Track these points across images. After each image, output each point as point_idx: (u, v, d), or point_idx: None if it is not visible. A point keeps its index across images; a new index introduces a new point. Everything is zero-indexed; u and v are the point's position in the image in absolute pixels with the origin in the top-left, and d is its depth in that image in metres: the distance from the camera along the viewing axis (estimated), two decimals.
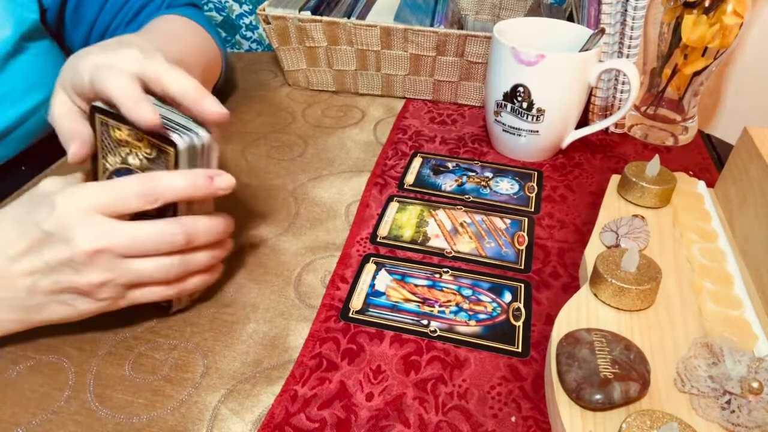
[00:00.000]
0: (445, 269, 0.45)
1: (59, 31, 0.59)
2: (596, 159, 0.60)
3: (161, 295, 0.37)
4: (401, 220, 0.50)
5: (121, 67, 0.35)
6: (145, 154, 0.36)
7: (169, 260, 0.35)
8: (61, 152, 0.57)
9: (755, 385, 0.31)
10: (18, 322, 0.36)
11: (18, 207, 0.36)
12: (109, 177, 0.38)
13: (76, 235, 0.32)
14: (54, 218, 0.33)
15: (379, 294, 0.43)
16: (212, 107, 0.36)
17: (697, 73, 0.59)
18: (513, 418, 0.35)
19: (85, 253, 0.33)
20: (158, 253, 0.35)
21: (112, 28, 0.59)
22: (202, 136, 0.36)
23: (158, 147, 0.35)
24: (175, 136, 0.34)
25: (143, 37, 0.48)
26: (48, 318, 0.36)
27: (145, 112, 0.33)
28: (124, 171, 0.37)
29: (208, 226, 0.37)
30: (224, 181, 0.36)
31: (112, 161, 0.38)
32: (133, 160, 0.37)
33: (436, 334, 0.40)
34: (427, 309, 0.42)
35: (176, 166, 0.35)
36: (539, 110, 0.54)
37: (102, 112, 0.36)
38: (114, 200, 0.33)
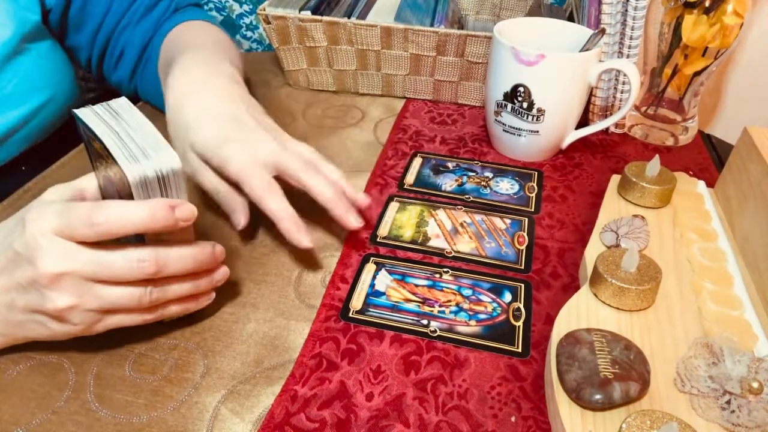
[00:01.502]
0: (445, 269, 0.45)
1: (62, 32, 0.59)
2: (596, 159, 0.60)
3: (139, 320, 0.36)
4: (401, 220, 0.50)
5: (259, 160, 0.42)
6: (114, 171, 0.34)
7: (141, 290, 0.34)
8: (61, 153, 0.58)
9: (755, 385, 0.31)
10: (2, 336, 0.35)
11: (10, 220, 0.35)
12: (102, 183, 0.37)
13: (39, 257, 0.31)
14: (23, 239, 0.32)
15: (379, 294, 0.43)
16: (353, 223, 0.44)
17: (697, 73, 0.59)
18: (513, 418, 0.35)
19: (47, 276, 0.31)
20: (128, 280, 0.33)
21: (120, 27, 0.58)
22: (164, 165, 0.33)
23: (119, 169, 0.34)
24: (126, 166, 0.32)
25: (237, 87, 0.49)
26: (28, 335, 0.35)
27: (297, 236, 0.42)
28: (108, 181, 0.36)
29: (180, 255, 0.35)
30: (185, 212, 0.34)
31: (100, 168, 0.37)
32: (110, 172, 0.35)
33: (436, 334, 0.40)
34: (427, 309, 0.42)
35: (130, 194, 0.33)
36: (539, 110, 0.54)
37: (81, 122, 0.35)
38: (65, 226, 0.32)
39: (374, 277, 0.44)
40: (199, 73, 0.47)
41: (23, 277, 0.32)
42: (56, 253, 0.31)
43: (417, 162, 0.58)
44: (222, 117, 0.44)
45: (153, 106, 0.64)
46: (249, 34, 0.96)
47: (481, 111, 0.69)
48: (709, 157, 0.60)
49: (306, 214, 0.51)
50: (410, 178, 0.56)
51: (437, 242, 0.48)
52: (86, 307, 0.33)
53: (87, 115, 0.35)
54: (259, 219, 0.51)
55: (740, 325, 0.37)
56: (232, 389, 0.36)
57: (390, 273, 0.45)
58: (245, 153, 0.42)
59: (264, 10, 0.67)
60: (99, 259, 0.32)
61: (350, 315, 0.41)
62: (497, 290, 0.43)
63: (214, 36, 0.57)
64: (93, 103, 0.37)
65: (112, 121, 0.35)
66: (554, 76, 0.52)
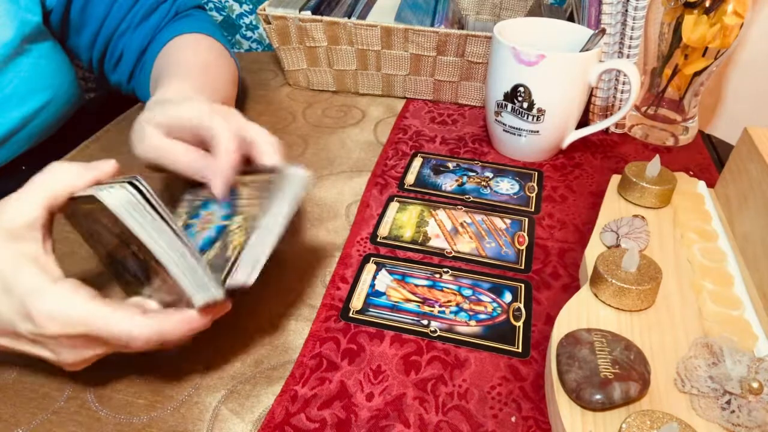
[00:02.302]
0: (445, 269, 0.45)
1: (63, 34, 0.59)
2: (596, 159, 0.60)
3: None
4: (401, 220, 0.50)
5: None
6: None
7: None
8: (61, 153, 0.58)
9: (755, 385, 0.31)
10: None
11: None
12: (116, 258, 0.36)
13: (60, 354, 0.32)
14: (35, 331, 0.31)
15: (380, 294, 0.43)
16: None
17: (697, 74, 0.59)
18: (513, 418, 0.35)
19: (66, 364, 0.33)
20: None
21: (120, 30, 0.58)
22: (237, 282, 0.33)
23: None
24: (194, 294, 0.32)
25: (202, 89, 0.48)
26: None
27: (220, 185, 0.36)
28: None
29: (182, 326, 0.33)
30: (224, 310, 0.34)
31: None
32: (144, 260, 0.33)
33: (436, 334, 0.40)
34: (427, 309, 0.42)
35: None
36: (540, 110, 0.54)
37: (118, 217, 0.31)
38: (114, 340, 0.31)
39: (374, 277, 0.44)
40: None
41: (29, 345, 0.32)
42: (75, 354, 0.32)
43: (417, 162, 0.58)
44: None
45: None
46: (249, 34, 0.96)
47: (481, 111, 0.69)
48: (709, 157, 0.60)
49: (307, 216, 0.52)
50: (410, 178, 0.56)
51: (437, 242, 0.48)
52: (96, 355, 0.33)
53: (130, 217, 0.30)
54: None
55: (740, 325, 0.37)
56: (232, 389, 0.36)
57: (390, 273, 0.45)
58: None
59: (264, 10, 0.67)
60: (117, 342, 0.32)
61: (350, 315, 0.41)
62: (497, 290, 0.43)
63: (206, 56, 0.57)
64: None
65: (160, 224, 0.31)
66: (554, 76, 0.52)
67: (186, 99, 0.42)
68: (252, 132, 0.38)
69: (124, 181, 0.31)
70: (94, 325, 0.30)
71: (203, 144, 0.38)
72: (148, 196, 0.31)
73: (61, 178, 0.33)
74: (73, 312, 0.30)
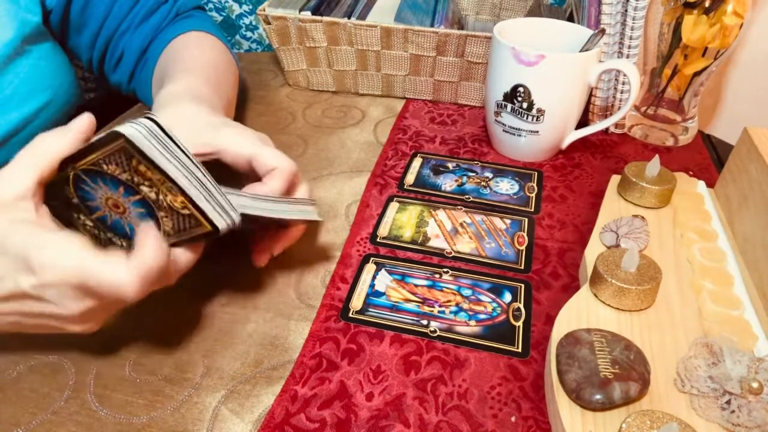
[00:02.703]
0: (445, 269, 0.45)
1: (63, 34, 0.59)
2: (596, 159, 0.60)
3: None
4: (401, 220, 0.50)
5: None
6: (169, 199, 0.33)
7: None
8: None
9: (755, 385, 0.31)
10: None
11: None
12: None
13: (66, 307, 0.31)
14: (36, 283, 0.30)
15: (379, 294, 0.43)
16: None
17: (697, 74, 0.59)
18: (513, 418, 0.35)
19: (75, 319, 0.32)
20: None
21: (120, 30, 0.59)
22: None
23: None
24: (216, 218, 0.33)
25: (213, 96, 0.48)
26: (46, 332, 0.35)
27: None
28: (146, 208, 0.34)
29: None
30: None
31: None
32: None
33: (436, 334, 0.40)
34: (427, 309, 0.42)
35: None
36: (539, 110, 0.54)
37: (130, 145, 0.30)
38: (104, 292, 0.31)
39: (374, 277, 0.44)
40: (181, 110, 0.45)
41: (32, 303, 0.32)
42: (82, 305, 0.31)
43: (417, 162, 0.58)
44: None
45: (150, 107, 0.64)
46: (249, 34, 0.96)
47: (481, 111, 0.69)
48: (709, 157, 0.60)
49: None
50: (410, 178, 0.56)
51: (437, 242, 0.48)
52: (102, 309, 0.33)
53: (149, 145, 0.30)
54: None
55: (740, 325, 0.37)
56: (232, 389, 0.36)
57: (390, 273, 0.45)
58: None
59: (264, 10, 0.67)
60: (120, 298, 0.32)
61: (350, 315, 0.41)
62: (497, 290, 0.43)
63: (209, 55, 0.57)
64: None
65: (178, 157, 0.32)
66: (554, 76, 0.52)
67: (221, 120, 0.43)
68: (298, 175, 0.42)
69: (135, 120, 0.31)
70: (85, 275, 0.30)
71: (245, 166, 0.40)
72: (165, 128, 0.31)
73: (47, 145, 0.33)
74: (66, 261, 0.30)
